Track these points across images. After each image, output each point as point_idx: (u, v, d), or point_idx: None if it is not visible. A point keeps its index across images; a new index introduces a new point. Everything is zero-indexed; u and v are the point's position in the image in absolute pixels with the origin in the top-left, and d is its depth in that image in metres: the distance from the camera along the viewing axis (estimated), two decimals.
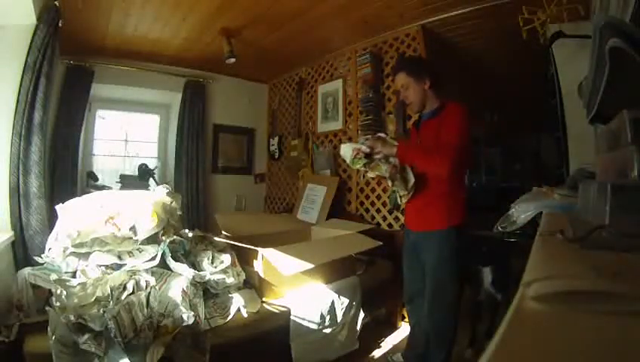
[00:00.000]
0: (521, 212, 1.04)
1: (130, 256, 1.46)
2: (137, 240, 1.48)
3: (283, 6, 2.22)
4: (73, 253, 1.43)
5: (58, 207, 1.56)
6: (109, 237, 1.44)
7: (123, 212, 1.49)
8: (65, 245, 1.42)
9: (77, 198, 1.61)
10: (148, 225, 1.49)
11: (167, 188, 1.81)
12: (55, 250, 1.47)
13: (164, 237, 1.54)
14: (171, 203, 1.70)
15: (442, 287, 1.45)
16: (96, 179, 2.90)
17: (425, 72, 1.52)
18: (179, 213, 1.77)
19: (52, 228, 1.55)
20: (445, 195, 1.47)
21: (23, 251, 1.71)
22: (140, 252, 1.48)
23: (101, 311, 1.20)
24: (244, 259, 1.78)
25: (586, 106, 0.83)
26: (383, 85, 2.65)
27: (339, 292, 1.82)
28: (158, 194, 1.74)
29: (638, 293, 0.29)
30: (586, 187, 0.69)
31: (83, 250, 1.42)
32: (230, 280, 1.61)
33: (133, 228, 1.47)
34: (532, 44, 1.90)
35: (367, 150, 1.49)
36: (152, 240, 1.53)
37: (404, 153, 1.45)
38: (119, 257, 1.45)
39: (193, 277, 1.50)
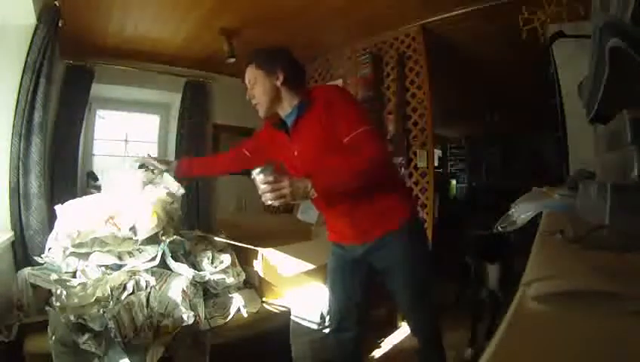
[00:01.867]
0: (521, 212, 1.04)
1: (130, 256, 1.46)
2: (137, 240, 1.48)
3: (283, 6, 2.22)
4: (73, 253, 1.43)
5: (57, 208, 1.56)
6: (109, 238, 1.44)
7: (123, 212, 1.49)
8: (65, 245, 1.42)
9: (76, 199, 1.61)
10: (148, 225, 1.49)
11: (166, 189, 1.81)
12: (55, 250, 1.47)
13: (164, 238, 1.54)
14: (172, 203, 1.70)
15: (421, 291, 1.26)
16: (97, 179, 2.89)
17: (277, 63, 1.20)
18: (179, 213, 1.76)
19: (52, 228, 1.55)
20: (381, 192, 1.20)
21: (23, 251, 1.71)
22: (140, 252, 1.48)
23: (101, 311, 1.20)
24: (244, 259, 1.78)
25: (586, 106, 0.83)
26: (383, 85, 2.65)
27: None
28: (158, 193, 1.74)
29: (638, 293, 0.29)
30: (586, 187, 0.69)
31: (83, 250, 1.42)
32: (230, 280, 1.61)
33: (133, 229, 1.47)
34: (532, 44, 1.90)
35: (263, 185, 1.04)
36: (152, 240, 1.53)
37: (328, 187, 1.09)
38: (119, 257, 1.45)
39: (193, 277, 1.50)
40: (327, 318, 1.75)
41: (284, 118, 1.25)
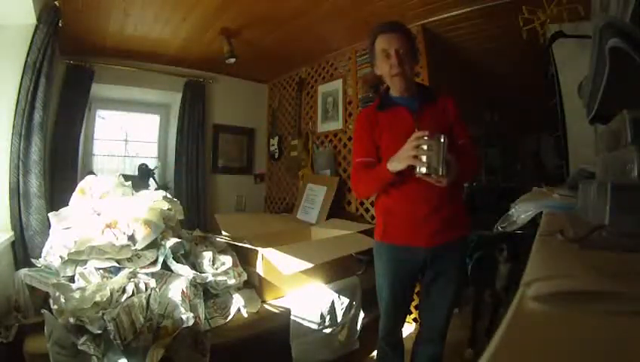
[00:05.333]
0: (521, 212, 1.04)
1: (129, 262, 1.45)
2: (136, 249, 1.47)
3: (283, 6, 2.22)
4: (70, 260, 1.42)
5: (51, 215, 1.55)
6: (107, 246, 1.43)
7: (120, 221, 1.48)
8: (61, 253, 1.41)
9: (68, 207, 1.60)
10: (144, 234, 1.48)
11: (164, 193, 1.79)
12: (51, 257, 1.46)
13: (163, 242, 1.54)
14: (168, 209, 1.69)
15: (455, 298, 1.36)
16: None
17: (417, 52, 1.35)
18: (179, 217, 1.75)
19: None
20: (461, 198, 1.36)
21: (23, 251, 1.71)
22: (139, 257, 1.47)
23: (100, 314, 1.20)
24: (244, 259, 1.78)
25: (586, 106, 0.82)
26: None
27: (339, 292, 1.82)
28: (154, 198, 1.71)
29: (638, 293, 0.29)
30: (586, 187, 0.69)
31: (81, 258, 1.41)
32: (232, 281, 1.61)
33: (132, 238, 1.46)
34: (532, 44, 1.90)
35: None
36: (151, 244, 1.52)
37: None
38: (118, 262, 1.44)
39: (194, 278, 1.49)
40: (328, 318, 1.75)
41: (398, 97, 1.30)
